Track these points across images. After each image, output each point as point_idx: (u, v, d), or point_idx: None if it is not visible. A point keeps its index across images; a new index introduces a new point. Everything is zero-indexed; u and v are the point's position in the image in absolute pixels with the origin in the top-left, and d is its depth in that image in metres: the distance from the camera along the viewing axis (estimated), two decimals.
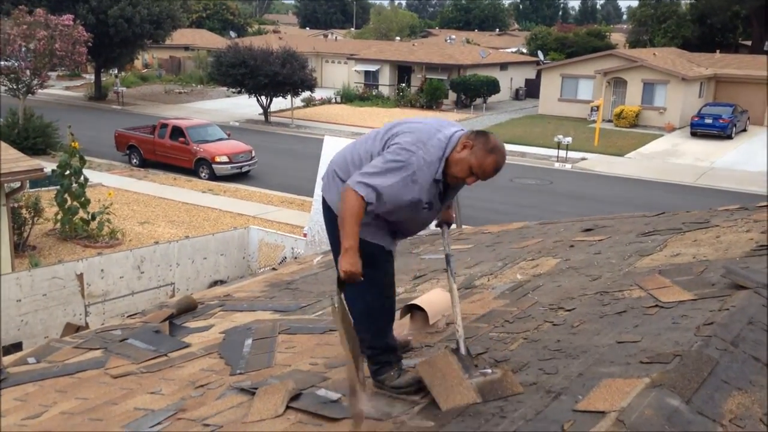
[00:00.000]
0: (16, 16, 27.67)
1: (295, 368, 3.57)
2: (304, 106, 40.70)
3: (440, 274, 5.18)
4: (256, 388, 3.27)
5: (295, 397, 3.06)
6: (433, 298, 3.89)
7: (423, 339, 3.66)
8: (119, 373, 3.98)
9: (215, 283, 8.90)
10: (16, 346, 6.60)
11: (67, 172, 16.01)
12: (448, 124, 3.09)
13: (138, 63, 55.04)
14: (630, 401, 2.33)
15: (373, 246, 3.00)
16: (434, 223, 3.36)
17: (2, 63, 27.73)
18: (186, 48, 58.04)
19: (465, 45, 53.42)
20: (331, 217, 3.11)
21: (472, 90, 42.25)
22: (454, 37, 58.34)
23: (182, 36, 53.94)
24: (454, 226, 5.13)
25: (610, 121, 37.31)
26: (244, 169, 24.29)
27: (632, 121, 37.05)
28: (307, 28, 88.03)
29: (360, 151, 3.12)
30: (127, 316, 5.90)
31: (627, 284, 3.78)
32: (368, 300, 3.04)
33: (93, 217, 16.17)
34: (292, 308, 5.07)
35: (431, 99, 41.41)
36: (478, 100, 42.47)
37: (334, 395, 3.04)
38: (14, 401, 3.79)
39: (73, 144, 16.42)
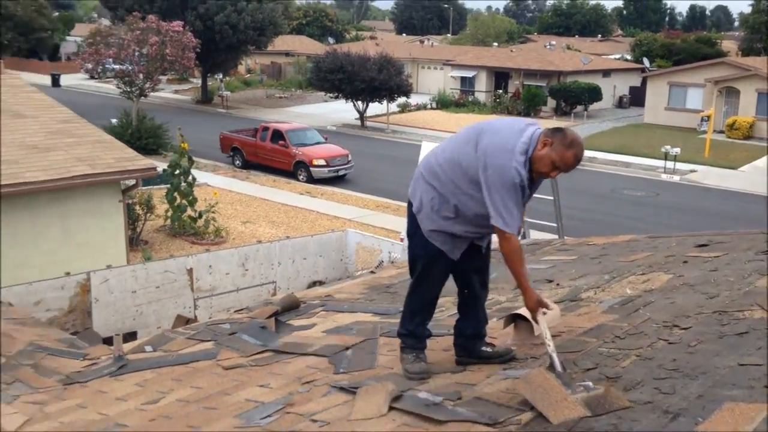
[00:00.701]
0: (130, 22, 29.24)
1: (396, 371, 3.61)
2: (399, 112, 40.99)
3: (541, 284, 5.10)
4: (356, 388, 3.33)
5: (397, 398, 3.10)
6: None
7: (528, 350, 3.62)
8: (230, 365, 4.15)
9: (314, 284, 9.11)
10: (132, 335, 6.97)
11: (177, 171, 16.80)
12: (526, 123, 3.26)
13: (241, 68, 57.03)
14: (755, 426, 2.23)
15: (440, 251, 3.35)
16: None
17: (117, 67, 29.39)
18: (286, 54, 59.70)
19: (565, 51, 52.18)
20: (412, 220, 3.41)
21: (573, 97, 41.31)
22: (554, 42, 57.16)
23: (283, 42, 55.51)
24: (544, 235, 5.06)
25: (721, 132, 35.53)
26: (340, 173, 24.72)
27: (746, 133, 35.15)
28: (404, 34, 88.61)
29: (448, 155, 3.31)
30: (234, 311, 6.14)
31: (747, 304, 3.61)
32: (420, 292, 3.49)
33: (200, 215, 16.89)
34: (392, 312, 5.12)
35: (529, 106, 40.78)
36: (579, 108, 41.46)
37: (437, 398, 3.05)
38: (134, 386, 4.02)
39: (182, 145, 17.20)
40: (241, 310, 6.08)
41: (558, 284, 5.01)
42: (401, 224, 15.69)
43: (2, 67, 14.25)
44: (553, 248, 6.67)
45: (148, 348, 4.74)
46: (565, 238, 7.75)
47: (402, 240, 9.95)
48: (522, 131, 3.17)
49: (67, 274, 7.71)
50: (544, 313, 3.26)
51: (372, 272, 7.18)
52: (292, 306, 5.53)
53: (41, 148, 11.48)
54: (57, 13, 53.50)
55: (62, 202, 11.25)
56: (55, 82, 48.90)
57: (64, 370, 4.31)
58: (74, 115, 13.11)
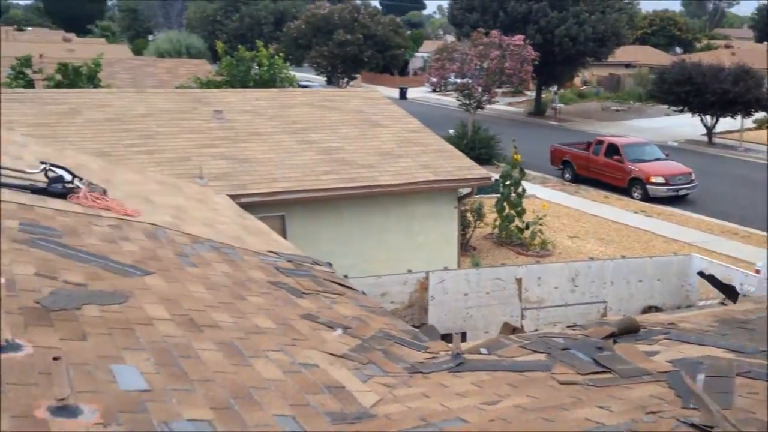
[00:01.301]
0: (474, 37, 30.76)
1: (759, 417, 3.17)
2: (755, 128, 36.64)
3: None
4: (712, 427, 3.00)
5: None
6: None
7: None
8: (566, 380, 4.05)
9: (649, 309, 8.55)
10: (461, 336, 7.26)
11: (508, 182, 17.20)
12: None
13: (577, 80, 56.33)
14: None
15: None
16: None
17: (459, 80, 31.15)
18: (627, 65, 57.33)
19: None
20: None
21: None
22: None
23: (624, 53, 53.40)
24: None
25: None
26: (681, 192, 22.94)
27: None
28: (765, 43, 78.91)
29: None
30: (567, 327, 6.02)
31: None
32: None
33: (527, 227, 17.07)
34: (750, 350, 4.54)
35: None
36: None
37: None
38: (472, 385, 4.14)
39: (515, 156, 17.56)
40: (574, 326, 5.94)
41: None
42: (753, 253, 13.97)
43: (360, 80, 16.06)
44: None
45: (483, 350, 4.86)
46: None
47: (758, 272, 8.83)
48: None
49: (409, 271, 8.34)
50: None
51: (722, 304, 6.48)
52: (630, 329, 5.22)
53: (393, 154, 12.65)
54: (409, 32, 58.72)
55: (407, 204, 12.26)
56: (403, 94, 53.69)
57: (408, 359, 4.63)
58: (421, 126, 14.20)
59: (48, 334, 3.33)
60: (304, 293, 5.82)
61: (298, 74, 36.20)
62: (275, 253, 7.09)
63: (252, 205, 10.29)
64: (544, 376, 4.23)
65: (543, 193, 23.21)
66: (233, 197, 10.27)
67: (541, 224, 17.15)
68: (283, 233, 10.66)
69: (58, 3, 79.79)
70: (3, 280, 3.56)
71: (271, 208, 10.98)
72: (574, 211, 21.35)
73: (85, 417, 2.70)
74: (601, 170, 24.84)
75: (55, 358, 2.86)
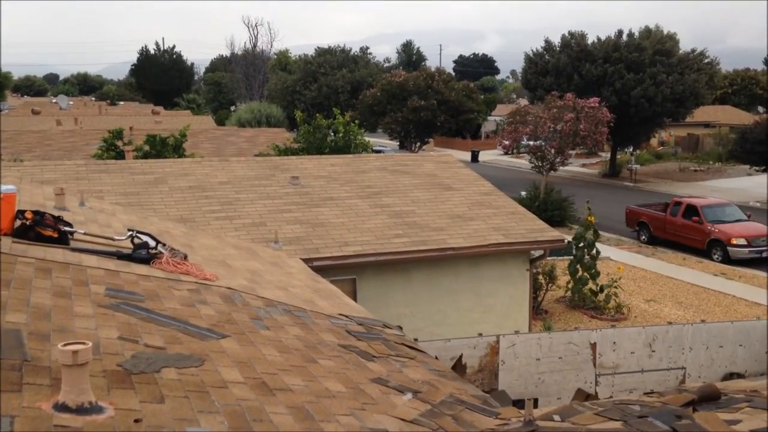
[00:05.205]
0: (548, 101, 30.86)
1: None
2: None
3: None
4: None
5: None
6: None
7: None
8: None
9: (731, 375, 8.16)
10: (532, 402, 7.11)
11: (581, 244, 16.92)
12: None
13: (654, 141, 55.32)
14: None
15: None
16: None
17: (531, 143, 31.15)
18: (706, 125, 56.02)
19: None
20: None
21: None
22: None
23: (703, 113, 52.29)
24: None
25: None
26: (764, 254, 21.95)
27: None
28: None
29: None
30: (644, 394, 5.83)
31: None
32: None
33: (601, 289, 16.67)
34: None
35: None
36: None
37: None
38: None
39: (589, 218, 17.30)
40: (651, 393, 5.75)
41: None
42: None
43: (432, 144, 16.35)
44: None
45: (557, 417, 4.77)
46: None
47: None
48: None
49: (480, 335, 8.28)
50: None
51: None
52: (710, 396, 5.02)
53: (464, 217, 12.72)
54: (482, 96, 59.42)
55: (477, 266, 12.23)
56: (474, 157, 53.95)
57: (479, 425, 4.60)
58: (494, 188, 14.26)
59: (129, 397, 3.51)
60: (374, 357, 5.88)
61: (372, 139, 37.07)
62: (346, 316, 7.20)
63: (324, 269, 10.50)
64: None
65: (618, 255, 22.65)
66: (306, 261, 10.51)
67: (616, 287, 16.70)
68: (354, 296, 10.80)
69: (149, 79, 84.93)
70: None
71: (343, 271, 11.17)
72: (651, 273, 20.71)
73: None
74: (678, 232, 24.13)
75: (136, 421, 3.01)
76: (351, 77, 58.09)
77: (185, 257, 7.09)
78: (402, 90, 42.84)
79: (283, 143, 23.00)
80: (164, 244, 7.01)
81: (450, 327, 11.40)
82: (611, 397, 7.09)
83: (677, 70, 39.14)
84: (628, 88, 38.20)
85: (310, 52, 66.07)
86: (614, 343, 8.31)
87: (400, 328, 7.44)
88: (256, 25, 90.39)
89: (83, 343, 3.24)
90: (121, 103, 73.85)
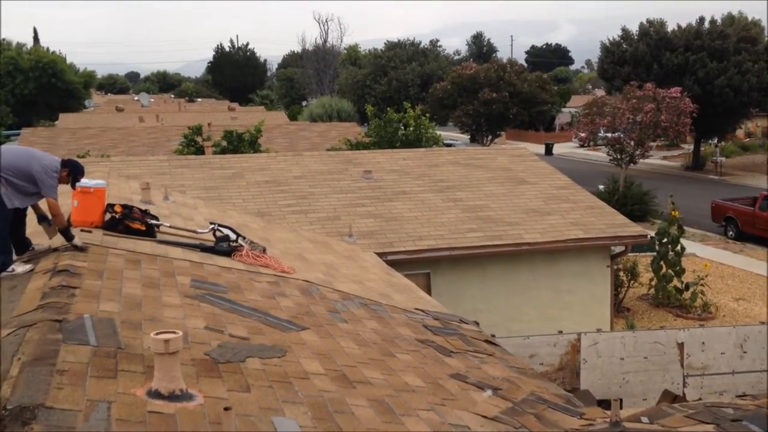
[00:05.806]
0: (626, 91, 29.90)
1: None
2: None
3: None
4: None
5: None
6: None
7: None
8: None
9: None
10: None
11: (665, 240, 16.32)
12: None
13: (740, 132, 52.92)
14: None
15: None
16: None
17: (609, 135, 30.25)
18: None
19: None
20: None
21: None
22: None
23: None
24: None
25: None
26: None
27: None
28: None
29: None
30: (736, 396, 5.56)
31: None
32: None
33: (686, 287, 16.05)
34: None
35: None
36: None
37: None
38: None
39: (673, 213, 16.66)
40: (745, 395, 5.47)
41: None
42: None
43: (504, 137, 16.09)
44: None
45: (644, 419, 4.60)
46: None
47: None
48: None
49: (560, 332, 8.08)
50: None
51: None
52: None
53: (540, 211, 12.46)
54: (556, 87, 58.14)
55: (555, 262, 11.96)
56: (548, 150, 52.86)
57: (563, 425, 4.47)
58: (571, 182, 13.91)
59: (217, 385, 3.56)
60: (452, 352, 5.81)
61: (443, 133, 36.80)
62: (422, 310, 7.15)
63: (398, 263, 10.48)
64: None
65: (703, 252, 21.76)
66: (380, 254, 10.52)
67: (702, 285, 16.02)
68: (428, 290, 10.73)
69: (224, 76, 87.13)
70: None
71: (417, 265, 11.12)
72: (740, 270, 19.80)
73: None
74: None
75: (225, 409, 3.05)
76: (421, 70, 57.89)
77: (264, 250, 7.19)
78: (473, 82, 42.35)
79: (354, 137, 23.12)
80: (244, 237, 7.14)
81: (527, 324, 11.19)
82: (700, 399, 6.79)
83: (764, 58, 37.33)
84: (712, 78, 36.66)
85: (380, 46, 66.24)
86: (703, 343, 7.95)
87: (477, 323, 7.33)
88: (326, 21, 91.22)
89: (174, 333, 3.30)
90: (199, 99, 75.97)
